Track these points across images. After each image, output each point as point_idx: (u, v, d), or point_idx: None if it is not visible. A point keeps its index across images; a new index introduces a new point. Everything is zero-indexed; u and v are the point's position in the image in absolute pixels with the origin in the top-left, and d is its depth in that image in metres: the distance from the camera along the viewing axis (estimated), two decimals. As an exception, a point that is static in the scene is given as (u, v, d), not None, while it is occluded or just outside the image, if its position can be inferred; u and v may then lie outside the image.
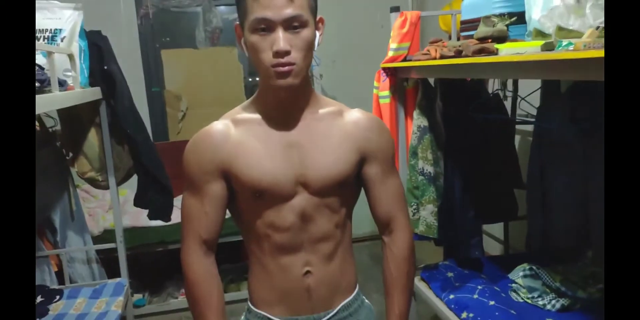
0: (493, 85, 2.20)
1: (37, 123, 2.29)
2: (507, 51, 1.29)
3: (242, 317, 1.13)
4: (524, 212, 2.09)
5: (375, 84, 2.05)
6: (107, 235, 2.77)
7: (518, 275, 1.83)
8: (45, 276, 2.25)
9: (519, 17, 1.49)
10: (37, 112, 1.76)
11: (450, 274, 1.97)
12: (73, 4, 1.96)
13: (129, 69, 2.53)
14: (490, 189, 2.07)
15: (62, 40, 1.90)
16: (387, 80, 2.00)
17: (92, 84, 2.07)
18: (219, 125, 1.02)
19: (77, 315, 1.98)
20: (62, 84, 1.71)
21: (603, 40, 1.08)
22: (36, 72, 1.52)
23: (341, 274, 1.09)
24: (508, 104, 2.22)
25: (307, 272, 1.04)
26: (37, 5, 1.89)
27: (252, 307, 1.10)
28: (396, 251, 1.11)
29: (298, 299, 1.06)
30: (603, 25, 1.18)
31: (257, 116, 1.03)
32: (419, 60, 1.74)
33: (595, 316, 1.62)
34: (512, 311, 1.67)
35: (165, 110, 3.67)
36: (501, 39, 1.44)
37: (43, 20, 1.90)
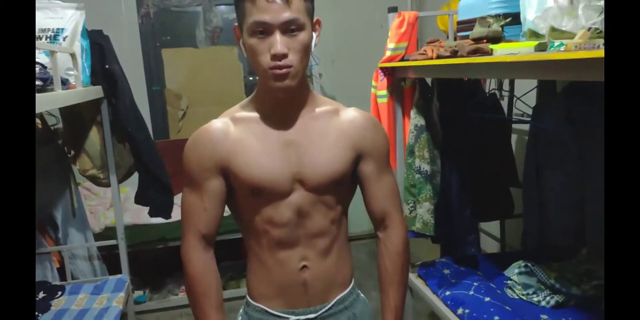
0: (489, 85, 2.23)
1: (39, 121, 2.32)
2: (501, 51, 1.31)
3: (241, 311, 1.16)
4: (520, 210, 2.11)
5: (373, 83, 2.08)
6: (108, 232, 2.80)
7: (513, 272, 1.86)
8: (47, 272, 2.27)
9: (514, 18, 1.51)
10: (39, 110, 1.79)
11: (446, 271, 2.00)
12: (75, 4, 1.99)
13: (130, 68, 2.56)
14: (487, 187, 2.09)
15: (64, 40, 1.92)
16: (385, 79, 2.02)
17: (93, 82, 2.10)
18: (219, 124, 1.04)
19: (79, 310, 2.01)
20: (65, 83, 1.74)
21: (595, 41, 1.11)
22: (39, 71, 1.55)
23: (337, 269, 1.11)
24: (505, 103, 2.25)
25: (304, 266, 1.07)
26: (39, 4, 1.91)
27: (250, 300, 1.13)
28: (391, 247, 1.14)
29: (295, 293, 1.08)
30: (595, 26, 1.21)
31: (255, 115, 1.05)
32: (416, 60, 1.76)
33: (589, 312, 1.64)
34: (507, 307, 1.69)
35: (165, 109, 3.70)
36: (496, 39, 1.46)
37: (45, 19, 1.93)
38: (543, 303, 1.74)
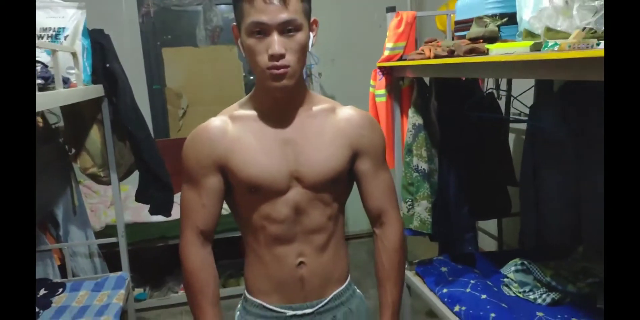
0: (486, 84, 2.25)
1: (40, 119, 2.34)
2: (497, 51, 1.33)
3: (239, 306, 1.18)
4: (518, 209, 2.13)
5: (372, 82, 2.09)
6: (109, 230, 2.82)
7: (510, 270, 1.87)
8: (48, 270, 2.29)
9: (510, 18, 1.52)
10: (41, 109, 1.81)
11: (444, 269, 2.01)
12: (76, 3, 2.00)
13: (130, 66, 2.58)
14: (484, 186, 2.10)
15: (65, 39, 1.94)
16: (383, 79, 2.04)
17: (94, 81, 2.12)
18: (217, 122, 1.06)
19: (80, 307, 2.03)
20: (66, 82, 1.75)
21: (588, 41, 1.13)
22: (40, 70, 1.57)
23: (333, 265, 1.13)
24: (502, 103, 2.26)
25: (301, 262, 1.09)
26: (41, 4, 1.93)
27: (248, 295, 1.15)
28: (387, 243, 1.15)
29: (292, 288, 1.10)
30: (590, 26, 1.22)
31: (253, 113, 1.07)
32: (414, 59, 1.78)
33: (585, 310, 1.66)
34: (503, 304, 1.71)
35: (166, 108, 3.72)
36: (492, 39, 1.48)
37: (47, 19, 1.94)
38: (539, 300, 1.76)
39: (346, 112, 1.10)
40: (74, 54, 1.87)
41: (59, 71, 1.60)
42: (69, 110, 2.30)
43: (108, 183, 2.32)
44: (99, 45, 2.15)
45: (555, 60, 1.07)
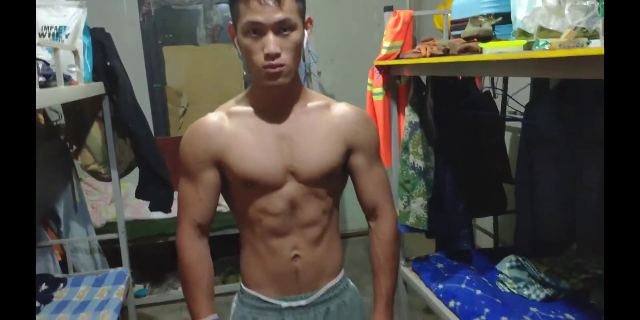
0: (483, 83, 2.27)
1: (42, 117, 2.36)
2: (490, 50, 1.35)
3: (235, 297, 1.21)
4: (514, 206, 2.15)
5: (369, 81, 2.12)
6: (109, 227, 2.85)
7: (505, 266, 1.90)
8: (49, 265, 2.32)
9: (505, 18, 1.54)
10: (42, 106, 1.83)
11: (440, 265, 2.04)
12: (77, 2, 2.03)
13: (131, 65, 2.60)
14: (480, 183, 2.13)
15: (66, 37, 1.96)
16: (381, 77, 2.06)
17: (95, 79, 2.14)
18: (214, 117, 1.09)
19: (80, 302, 2.05)
20: (67, 79, 1.78)
21: (579, 40, 1.15)
22: (42, 68, 1.59)
23: (327, 258, 1.16)
24: (499, 101, 2.28)
25: (296, 255, 1.12)
26: (43, 2, 1.95)
27: (244, 287, 1.18)
28: (381, 236, 1.18)
29: (287, 281, 1.13)
30: (581, 25, 1.25)
31: (249, 109, 1.10)
32: (410, 58, 1.80)
33: (577, 305, 1.68)
34: (498, 300, 1.73)
35: (166, 106, 3.74)
36: (486, 38, 1.50)
37: (48, 17, 1.97)
38: (533, 296, 1.78)
39: (341, 109, 1.13)
40: (75, 52, 1.89)
41: (60, 69, 1.62)
42: (70, 108, 2.33)
43: (108, 180, 2.35)
44: (100, 43, 2.17)
45: (546, 59, 1.09)
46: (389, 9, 2.03)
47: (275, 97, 1.07)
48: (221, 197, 1.18)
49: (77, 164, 2.48)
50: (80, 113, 2.30)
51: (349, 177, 1.19)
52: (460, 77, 2.15)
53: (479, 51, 1.39)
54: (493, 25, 1.56)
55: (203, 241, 1.12)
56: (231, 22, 1.04)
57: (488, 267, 2.01)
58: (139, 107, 2.37)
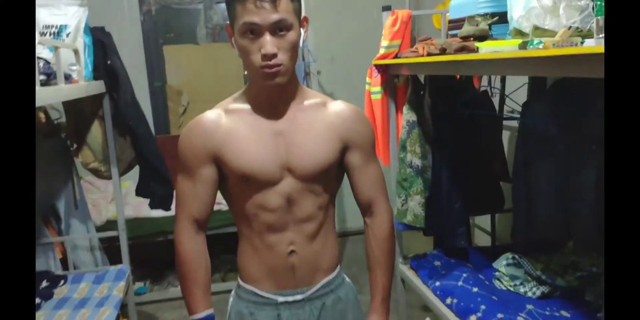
0: (480, 82, 2.28)
1: (43, 115, 2.38)
2: (486, 49, 1.36)
3: (233, 292, 1.23)
4: (511, 205, 2.16)
5: (367, 80, 2.13)
6: (110, 225, 2.86)
7: (501, 264, 1.91)
8: (50, 262, 2.34)
9: (501, 17, 1.55)
10: (43, 103, 1.85)
11: (437, 263, 2.05)
12: (78, 1, 2.04)
13: (131, 64, 2.62)
14: (477, 182, 2.14)
15: (67, 36, 1.98)
16: (379, 76, 2.08)
17: (95, 77, 2.16)
18: (212, 114, 1.11)
19: (81, 299, 2.07)
20: (68, 78, 1.80)
21: (573, 39, 1.16)
22: (43, 66, 1.61)
23: (323, 253, 1.17)
24: (496, 100, 2.29)
25: (292, 251, 1.13)
26: (44, 1, 1.97)
27: (241, 282, 1.20)
28: (377, 232, 1.20)
29: (283, 276, 1.15)
30: (576, 25, 1.26)
31: (247, 106, 1.11)
32: (408, 57, 1.82)
33: (573, 303, 1.70)
34: (494, 297, 1.75)
35: (166, 105, 3.76)
36: (483, 37, 1.51)
37: (49, 16, 1.98)
38: (529, 294, 1.79)
39: (337, 106, 1.14)
40: (75, 51, 1.91)
41: (61, 67, 1.64)
42: (70, 106, 2.34)
43: (109, 178, 2.36)
44: (100, 42, 2.19)
45: (540, 58, 1.11)
46: (387, 8, 2.05)
47: (272, 95, 1.09)
48: (221, 196, 1.20)
49: (77, 162, 2.49)
50: (80, 111, 2.32)
51: (345, 175, 1.21)
52: (458, 77, 2.17)
53: (474, 50, 1.40)
54: (489, 25, 1.58)
55: (200, 236, 1.14)
56: (228, 22, 1.06)
57: (485, 264, 2.03)
58: (139, 106, 2.38)
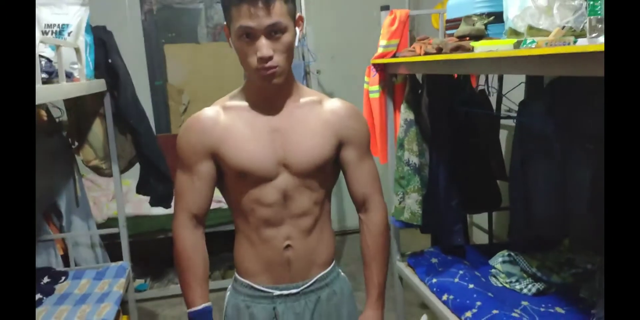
0: (478, 82, 2.30)
1: (44, 113, 2.40)
2: (481, 49, 1.38)
3: (230, 286, 1.25)
4: (508, 203, 2.18)
5: (366, 79, 2.15)
6: (111, 222, 2.88)
7: (497, 261, 1.93)
8: (51, 259, 2.36)
9: (497, 17, 1.57)
10: (45, 101, 1.87)
11: (434, 260, 2.07)
12: (80, 0, 2.06)
13: (133, 63, 2.64)
14: (474, 180, 2.16)
15: (69, 35, 2.00)
16: (377, 75, 2.09)
17: (97, 76, 2.18)
18: (210, 111, 1.13)
19: (81, 295, 2.09)
20: (69, 76, 1.82)
21: (566, 38, 1.18)
22: (45, 65, 1.63)
23: (319, 248, 1.20)
24: (494, 99, 2.31)
25: (288, 245, 1.16)
26: (46, 1, 1.99)
27: (237, 276, 1.22)
28: (372, 227, 1.22)
29: (279, 270, 1.17)
30: (569, 24, 1.28)
31: (244, 104, 1.14)
32: (405, 56, 1.83)
33: (567, 299, 1.72)
34: (490, 294, 1.77)
35: (167, 104, 3.78)
36: (478, 37, 1.53)
37: (51, 15, 2.01)
38: (525, 290, 1.81)
39: (332, 104, 1.17)
40: (77, 50, 1.93)
41: (63, 66, 1.66)
42: (72, 104, 2.37)
43: (110, 175, 2.38)
44: (102, 41, 2.21)
45: (532, 57, 1.12)
46: (385, 8, 2.07)
47: (268, 94, 1.11)
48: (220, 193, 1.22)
49: (78, 159, 2.52)
50: (82, 109, 2.34)
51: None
52: (456, 76, 2.18)
53: (470, 50, 1.42)
54: (486, 25, 1.60)
55: (198, 231, 1.16)
56: (225, 23, 1.08)
57: (482, 262, 2.05)
58: (140, 104, 2.40)
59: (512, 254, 1.90)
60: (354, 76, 3.29)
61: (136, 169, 2.48)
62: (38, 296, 2.03)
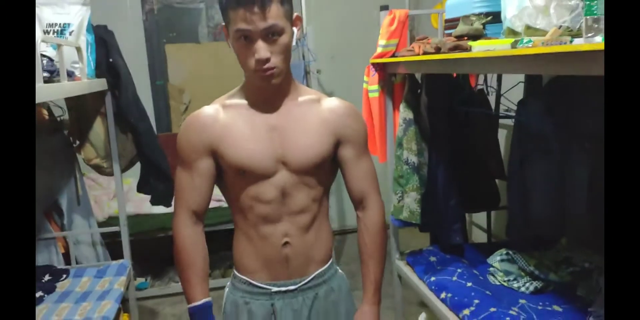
0: (477, 82, 2.31)
1: (46, 112, 2.42)
2: (478, 48, 1.40)
3: (229, 282, 1.27)
4: (506, 202, 2.19)
5: (365, 78, 2.16)
6: (112, 221, 2.90)
7: (496, 259, 1.94)
8: (52, 257, 2.37)
9: (495, 17, 1.59)
10: (46, 99, 1.88)
11: (433, 259, 2.08)
12: (81, 0, 2.08)
13: (134, 63, 2.65)
14: (473, 179, 2.17)
15: (70, 34, 2.01)
16: (376, 75, 2.11)
17: (98, 75, 2.19)
18: (209, 110, 1.15)
19: (82, 292, 2.11)
20: (70, 75, 1.83)
21: (562, 38, 1.19)
22: (46, 64, 1.64)
23: (317, 244, 1.21)
24: (492, 99, 2.32)
25: (286, 242, 1.17)
26: (47, 0, 2.01)
27: (236, 273, 1.24)
28: (370, 225, 1.23)
29: (277, 267, 1.18)
30: (566, 24, 1.29)
31: (243, 102, 1.15)
32: (404, 56, 1.85)
33: (565, 297, 1.73)
34: (488, 292, 1.77)
35: (168, 103, 3.80)
36: (476, 36, 1.54)
37: (53, 15, 2.02)
38: (522, 289, 1.82)
39: (331, 102, 1.18)
40: (78, 49, 1.94)
41: (64, 65, 1.67)
42: (73, 104, 2.38)
43: (111, 174, 2.40)
44: (103, 40, 2.23)
45: (528, 56, 1.13)
46: (384, 8, 2.08)
47: (267, 93, 1.13)
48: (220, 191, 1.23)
49: (80, 158, 2.53)
50: (83, 109, 2.36)
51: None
52: (455, 75, 2.19)
53: (468, 49, 1.43)
54: (484, 24, 1.61)
55: (198, 227, 1.18)
56: (224, 24, 1.09)
57: (480, 260, 2.06)
58: (141, 103, 2.42)
59: (510, 252, 1.91)
60: (354, 76, 3.30)
61: (137, 168, 2.50)
62: (39, 294, 2.05)
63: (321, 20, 3.61)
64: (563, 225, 1.93)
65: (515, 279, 1.86)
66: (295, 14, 1.09)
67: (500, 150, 2.36)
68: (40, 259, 2.34)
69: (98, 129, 2.34)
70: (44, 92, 1.38)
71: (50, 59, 1.71)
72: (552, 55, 1.07)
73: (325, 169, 1.19)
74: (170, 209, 2.59)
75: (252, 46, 1.03)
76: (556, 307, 1.68)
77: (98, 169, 2.41)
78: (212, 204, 1.22)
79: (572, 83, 1.84)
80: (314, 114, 1.15)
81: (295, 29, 1.09)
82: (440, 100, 2.02)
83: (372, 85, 2.13)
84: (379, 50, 2.04)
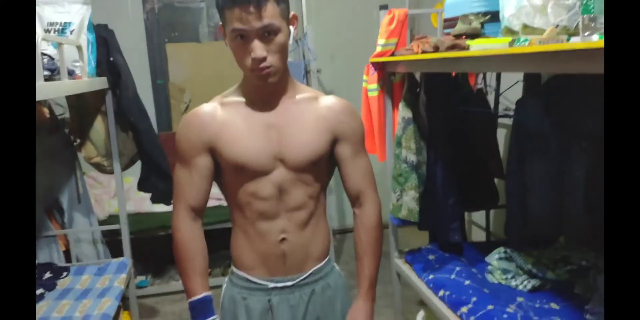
0: (476, 80, 2.32)
1: (47, 111, 2.43)
2: (476, 47, 1.40)
3: (226, 278, 1.28)
4: (505, 201, 2.19)
5: (365, 77, 2.17)
6: (112, 219, 2.91)
7: (494, 258, 1.95)
8: (53, 254, 2.39)
9: (493, 16, 1.59)
10: (46, 98, 1.90)
11: (431, 257, 2.09)
12: (82, -1, 2.10)
13: (134, 62, 2.66)
14: (471, 178, 2.18)
15: (71, 33, 2.03)
16: (376, 74, 2.12)
17: (98, 74, 2.20)
18: (208, 107, 1.16)
19: (83, 290, 2.12)
20: (71, 73, 1.84)
21: (559, 37, 1.20)
22: (47, 62, 1.66)
23: (314, 241, 1.22)
24: (491, 98, 2.33)
25: (283, 239, 1.18)
26: (49, -1, 2.02)
27: (234, 269, 1.25)
28: (366, 221, 1.24)
29: (274, 263, 1.19)
30: (563, 23, 1.30)
31: (241, 100, 1.17)
32: (403, 55, 1.85)
33: (562, 295, 1.74)
34: (485, 290, 1.78)
35: (169, 102, 3.80)
36: (474, 35, 1.55)
37: (54, 14, 2.03)
38: (520, 287, 1.83)
39: (328, 100, 1.19)
40: (79, 47, 1.95)
41: (65, 63, 1.69)
42: (74, 102, 2.39)
43: (111, 172, 2.41)
44: (103, 39, 2.24)
45: (525, 55, 1.14)
46: (384, 7, 2.09)
47: (265, 91, 1.14)
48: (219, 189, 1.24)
49: (80, 156, 2.54)
50: (83, 107, 2.37)
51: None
52: (454, 75, 2.20)
53: (466, 48, 1.44)
54: (482, 23, 1.61)
55: (197, 223, 1.19)
56: (221, 24, 1.10)
57: (478, 259, 2.06)
58: (141, 102, 2.43)
59: (509, 251, 1.92)
60: (354, 75, 3.30)
61: (137, 166, 2.51)
62: (40, 291, 2.06)
63: (321, 19, 3.62)
64: (561, 224, 1.94)
65: (513, 277, 1.87)
66: (292, 13, 1.10)
67: (499, 149, 2.37)
68: (41, 257, 2.35)
69: (99, 127, 2.35)
70: (44, 90, 1.39)
71: (51, 58, 1.72)
72: (549, 53, 1.08)
73: (322, 166, 1.20)
74: (171, 208, 2.59)
75: (248, 45, 1.04)
76: (553, 305, 1.69)
77: (98, 167, 2.42)
78: (212, 203, 1.23)
79: (570, 82, 1.85)
80: (311, 112, 1.16)
81: (292, 28, 1.10)
82: (439, 99, 2.03)
83: (371, 84, 2.14)
84: (378, 49, 2.05)
